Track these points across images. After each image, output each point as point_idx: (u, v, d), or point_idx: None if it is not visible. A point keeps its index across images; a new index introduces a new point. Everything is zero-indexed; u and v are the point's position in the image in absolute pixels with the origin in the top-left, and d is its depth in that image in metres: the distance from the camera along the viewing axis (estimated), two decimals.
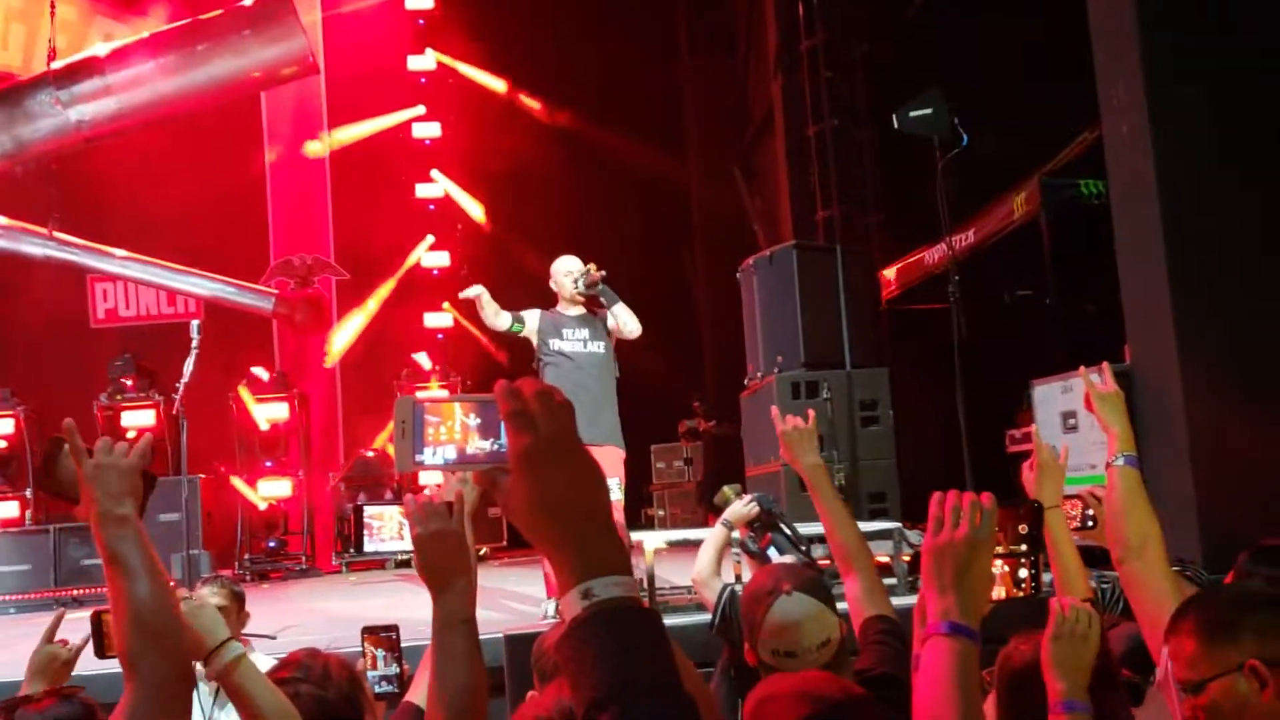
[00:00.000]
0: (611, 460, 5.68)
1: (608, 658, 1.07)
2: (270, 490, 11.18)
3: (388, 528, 2.04)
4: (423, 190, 13.34)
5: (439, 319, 13.19)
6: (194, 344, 5.99)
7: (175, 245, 12.30)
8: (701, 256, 14.26)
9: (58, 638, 2.64)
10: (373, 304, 13.09)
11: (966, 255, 8.88)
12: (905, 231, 10.07)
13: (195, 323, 6.12)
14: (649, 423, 13.21)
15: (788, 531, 4.03)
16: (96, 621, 2.16)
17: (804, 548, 4.10)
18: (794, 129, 11.26)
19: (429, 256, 13.39)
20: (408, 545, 1.98)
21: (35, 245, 12.14)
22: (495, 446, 1.22)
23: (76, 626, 2.63)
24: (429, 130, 13.34)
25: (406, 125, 13.31)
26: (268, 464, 11.25)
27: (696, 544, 3.82)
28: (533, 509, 1.13)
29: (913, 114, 6.94)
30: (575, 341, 5.86)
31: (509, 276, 13.28)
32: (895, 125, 7.03)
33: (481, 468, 1.21)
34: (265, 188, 12.94)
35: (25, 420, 10.68)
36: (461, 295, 5.97)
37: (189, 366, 6.00)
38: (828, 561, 3.92)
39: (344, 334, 12.89)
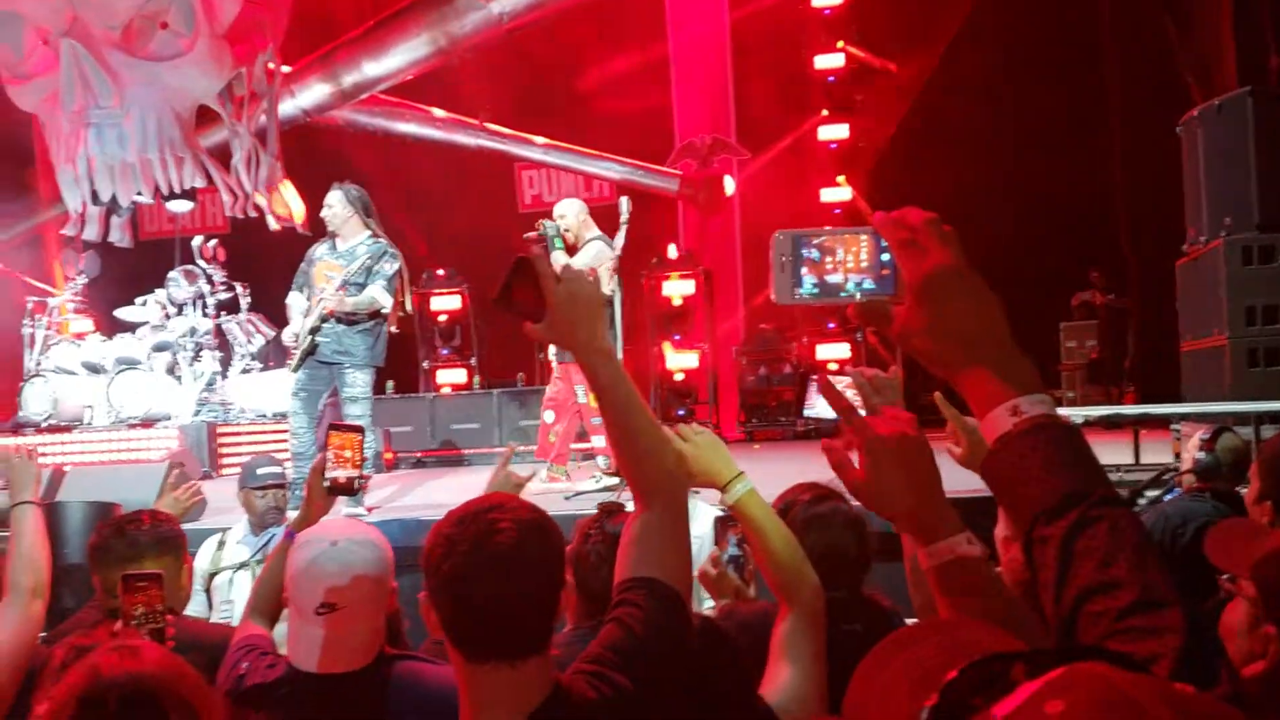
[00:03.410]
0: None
1: (1051, 468, 1.06)
2: (678, 362, 11.77)
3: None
4: (822, 61, 13.15)
5: (835, 194, 13.09)
6: (623, 218, 6.37)
7: (589, 131, 13.07)
8: (1117, 114, 13.09)
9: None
10: (768, 179, 13.22)
11: None
12: None
13: (624, 199, 6.47)
14: (1052, 298, 12.53)
15: None
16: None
17: None
18: None
19: (826, 129, 13.24)
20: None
21: (469, 136, 13.38)
22: (879, 277, 1.21)
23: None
24: None
25: None
26: (676, 337, 11.83)
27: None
28: (939, 335, 1.13)
29: None
30: None
31: (917, 146, 12.95)
32: None
33: (867, 298, 1.20)
34: (669, 70, 13.29)
35: (468, 296, 11.88)
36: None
37: (619, 239, 6.38)
38: None
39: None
